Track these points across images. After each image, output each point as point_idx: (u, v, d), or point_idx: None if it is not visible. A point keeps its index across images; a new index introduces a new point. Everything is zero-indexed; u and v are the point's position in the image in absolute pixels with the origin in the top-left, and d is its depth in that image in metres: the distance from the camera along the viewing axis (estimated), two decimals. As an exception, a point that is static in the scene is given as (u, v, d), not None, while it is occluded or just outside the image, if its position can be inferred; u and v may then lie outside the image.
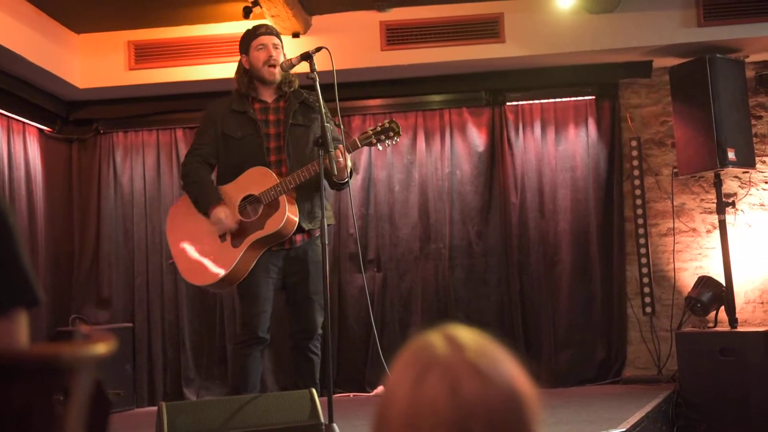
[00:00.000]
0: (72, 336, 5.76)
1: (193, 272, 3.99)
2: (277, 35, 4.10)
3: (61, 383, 0.87)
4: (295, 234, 3.94)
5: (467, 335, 1.08)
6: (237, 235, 3.92)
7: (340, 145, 3.89)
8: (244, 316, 3.99)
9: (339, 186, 4.02)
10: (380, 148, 4.11)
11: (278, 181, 3.90)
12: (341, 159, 3.82)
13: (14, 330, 1.14)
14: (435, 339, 1.08)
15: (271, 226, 3.89)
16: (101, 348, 0.94)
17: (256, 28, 4.12)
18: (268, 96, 4.07)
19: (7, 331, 1.14)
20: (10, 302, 1.16)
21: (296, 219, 3.91)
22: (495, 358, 1.06)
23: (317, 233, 3.94)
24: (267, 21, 5.44)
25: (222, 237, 3.93)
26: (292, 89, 4.05)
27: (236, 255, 3.89)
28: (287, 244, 3.94)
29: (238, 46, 4.15)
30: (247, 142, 3.97)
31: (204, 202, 3.96)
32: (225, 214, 3.90)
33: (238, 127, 3.99)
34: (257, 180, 3.93)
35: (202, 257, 3.97)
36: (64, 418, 0.88)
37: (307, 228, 3.96)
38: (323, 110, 3.76)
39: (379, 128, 4.03)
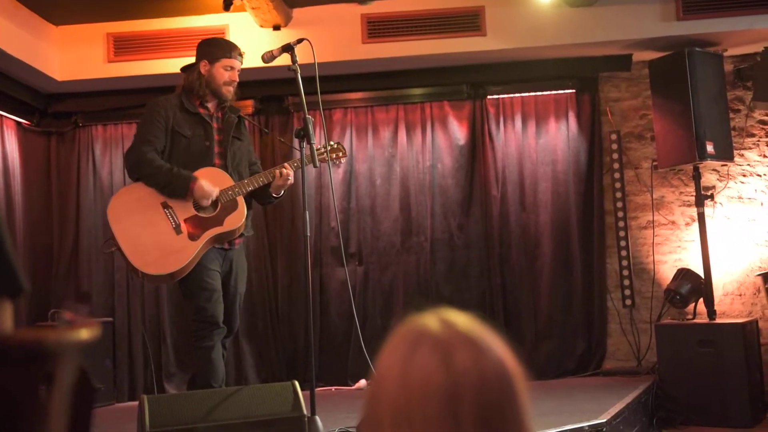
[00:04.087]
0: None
1: (149, 262, 3.95)
2: (242, 60, 4.26)
3: (46, 368, 0.87)
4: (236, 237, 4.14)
5: (457, 315, 1.09)
6: (193, 229, 3.99)
7: (287, 163, 4.15)
8: (202, 309, 4.01)
9: (270, 201, 4.30)
10: (330, 166, 4.30)
11: (234, 182, 4.08)
12: (290, 179, 4.11)
13: None
14: (425, 318, 1.09)
15: (231, 224, 4.04)
16: (84, 334, 0.93)
17: (231, 47, 4.22)
18: (211, 105, 4.21)
19: None
20: None
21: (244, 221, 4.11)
22: (485, 334, 1.07)
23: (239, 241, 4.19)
24: (248, 13, 5.43)
25: (177, 229, 3.97)
26: (229, 105, 4.24)
27: (195, 248, 3.96)
28: (227, 245, 4.12)
29: (201, 46, 4.24)
30: (196, 142, 4.09)
31: (181, 182, 3.97)
32: (208, 184, 3.98)
33: (188, 127, 4.10)
34: (212, 179, 4.05)
35: (158, 247, 3.96)
36: (48, 403, 0.87)
37: (246, 234, 4.21)
38: (304, 101, 3.83)
39: (329, 147, 4.28)
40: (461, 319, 1.10)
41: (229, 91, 4.17)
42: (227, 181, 4.08)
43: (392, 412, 1.04)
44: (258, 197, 4.28)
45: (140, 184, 4.05)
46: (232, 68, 4.16)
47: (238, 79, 4.20)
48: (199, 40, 4.37)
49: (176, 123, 4.07)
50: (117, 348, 6.10)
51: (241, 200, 4.08)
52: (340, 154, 4.35)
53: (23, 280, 1.20)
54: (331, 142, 4.36)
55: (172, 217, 4.00)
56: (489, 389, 1.04)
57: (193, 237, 3.97)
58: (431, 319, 1.09)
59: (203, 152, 4.09)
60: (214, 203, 4.03)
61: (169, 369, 6.13)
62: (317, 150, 4.18)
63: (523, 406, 1.07)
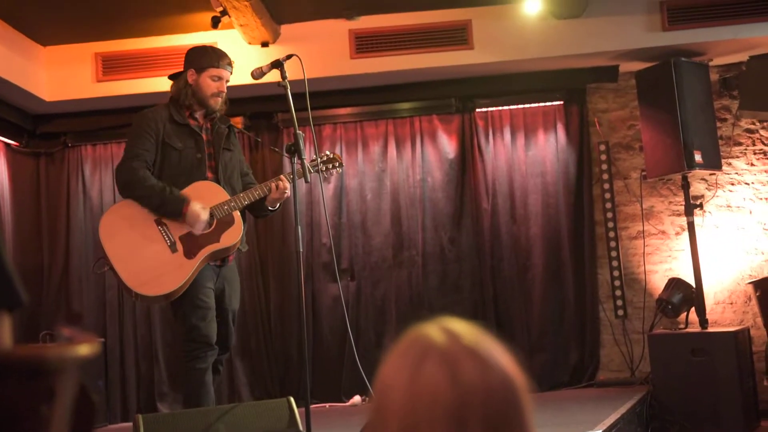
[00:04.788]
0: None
1: (143, 282, 3.80)
2: (231, 70, 4.13)
3: (47, 384, 0.86)
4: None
5: (460, 325, 1.10)
6: (189, 246, 3.86)
7: (283, 175, 4.03)
8: (195, 328, 3.86)
9: (265, 214, 4.17)
10: (326, 175, 4.30)
11: (229, 197, 3.96)
12: (287, 192, 3.98)
13: None
14: (429, 329, 1.09)
15: (228, 240, 3.93)
16: (85, 349, 0.93)
17: (219, 56, 4.06)
18: (200, 115, 4.08)
19: None
20: None
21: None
22: (490, 345, 1.08)
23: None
24: (236, 30, 5.45)
25: (172, 247, 3.84)
26: (219, 115, 4.11)
27: (192, 266, 3.83)
28: (220, 262, 4.00)
29: (189, 54, 4.10)
30: (187, 155, 3.95)
31: (174, 203, 3.84)
32: (202, 209, 3.86)
33: (178, 138, 3.95)
34: (207, 194, 3.94)
35: (154, 267, 3.81)
36: (49, 419, 0.87)
37: (242, 249, 4.10)
38: (294, 117, 3.80)
39: (324, 157, 4.23)
40: (465, 330, 1.10)
41: (217, 102, 4.03)
42: (222, 195, 3.96)
43: (399, 424, 1.04)
44: (253, 210, 4.16)
45: (130, 202, 3.91)
46: (220, 78, 4.01)
47: (225, 90, 4.06)
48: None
49: (166, 135, 3.92)
50: (109, 368, 6.06)
51: (237, 215, 3.97)
52: (336, 164, 4.28)
53: (21, 292, 1.18)
54: (327, 152, 4.29)
55: (166, 234, 3.86)
56: (495, 401, 1.04)
57: (189, 255, 3.84)
58: (435, 330, 1.10)
59: (194, 165, 3.95)
60: (210, 219, 3.91)
61: (162, 389, 6.09)
62: (312, 161, 4.15)
63: (528, 415, 1.08)
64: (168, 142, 3.93)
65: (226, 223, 3.94)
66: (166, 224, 3.88)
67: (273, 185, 3.99)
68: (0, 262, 1.16)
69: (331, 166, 4.27)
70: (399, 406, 1.04)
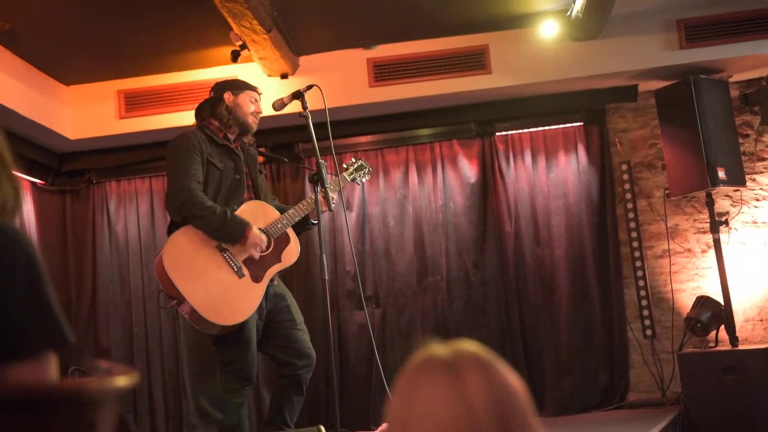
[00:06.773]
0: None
1: (220, 312, 3.73)
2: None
3: (88, 416, 0.87)
4: None
5: (461, 343, 1.18)
6: (255, 270, 3.85)
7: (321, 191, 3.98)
8: (238, 363, 3.83)
9: (308, 227, 4.18)
10: (359, 184, 4.41)
11: (279, 215, 3.98)
12: (333, 201, 3.99)
13: (43, 372, 1.13)
14: (432, 348, 1.17)
15: (289, 259, 3.97)
16: (123, 381, 0.94)
17: (252, 86, 4.17)
18: (233, 138, 4.10)
19: (36, 373, 1.13)
20: (39, 344, 1.15)
21: None
22: (490, 355, 1.16)
23: None
24: (255, 63, 5.51)
25: (239, 272, 3.80)
26: (246, 140, 4.15)
27: (261, 289, 3.84)
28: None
29: (221, 83, 4.18)
30: (227, 175, 3.95)
31: (235, 226, 3.79)
32: (259, 232, 3.86)
33: (218, 159, 3.95)
34: (259, 213, 3.97)
35: (227, 296, 3.76)
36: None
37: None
38: (316, 146, 3.82)
39: (355, 166, 4.32)
40: (465, 344, 1.19)
41: (255, 122, 4.08)
42: (273, 213, 3.98)
43: None
44: (296, 226, 4.11)
45: (187, 231, 3.83)
46: (256, 100, 4.09)
47: (261, 111, 4.13)
48: (208, 93, 4.24)
49: (209, 155, 3.91)
50: (138, 402, 6.08)
51: (291, 232, 3.98)
52: (366, 169, 4.38)
53: (68, 332, 1.20)
54: (353, 159, 4.37)
55: (231, 259, 3.81)
56: (501, 399, 1.11)
57: (256, 279, 3.83)
58: (438, 348, 1.18)
59: (233, 185, 3.94)
60: (267, 240, 3.92)
61: (191, 421, 6.10)
62: (349, 169, 4.25)
63: (532, 413, 1.14)
64: (211, 161, 3.91)
65: (282, 241, 3.96)
66: (227, 249, 3.83)
67: (319, 198, 3.95)
68: (47, 303, 1.17)
69: (363, 173, 4.37)
70: (416, 423, 1.08)
